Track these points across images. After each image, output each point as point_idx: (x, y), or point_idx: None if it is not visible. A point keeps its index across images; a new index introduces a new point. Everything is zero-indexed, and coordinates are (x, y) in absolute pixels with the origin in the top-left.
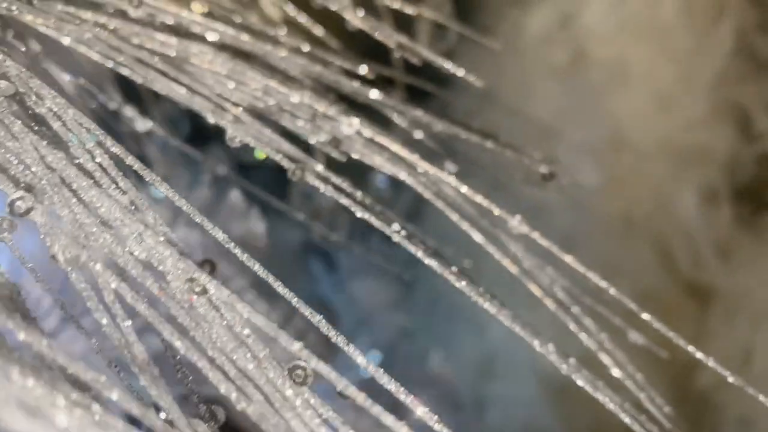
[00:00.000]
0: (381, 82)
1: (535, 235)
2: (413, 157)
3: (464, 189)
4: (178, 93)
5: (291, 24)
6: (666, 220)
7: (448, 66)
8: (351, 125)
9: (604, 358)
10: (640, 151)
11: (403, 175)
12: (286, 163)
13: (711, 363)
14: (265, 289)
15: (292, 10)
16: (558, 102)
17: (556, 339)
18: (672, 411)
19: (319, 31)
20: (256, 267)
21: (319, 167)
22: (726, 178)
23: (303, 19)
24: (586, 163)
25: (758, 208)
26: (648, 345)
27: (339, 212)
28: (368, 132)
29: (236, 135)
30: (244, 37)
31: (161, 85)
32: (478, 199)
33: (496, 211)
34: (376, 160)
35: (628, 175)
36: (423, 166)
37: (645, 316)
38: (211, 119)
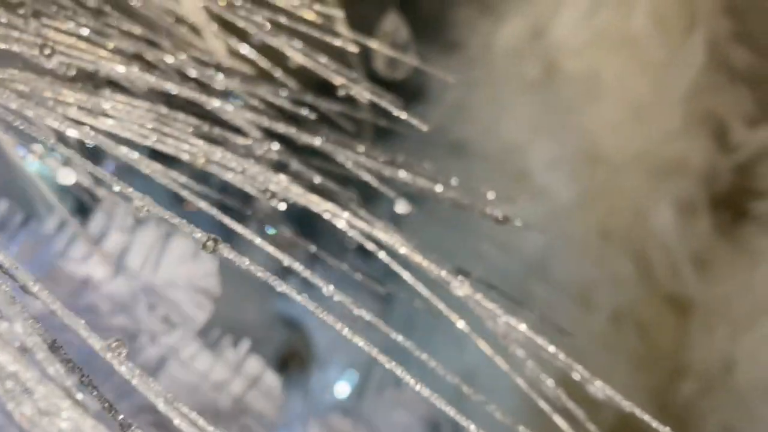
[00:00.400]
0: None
1: (479, 297)
2: (347, 213)
3: (403, 250)
4: (100, 144)
5: (237, 58)
6: (643, 233)
7: (392, 109)
8: (278, 183)
9: (559, 421)
10: (615, 164)
11: (342, 225)
12: (199, 236)
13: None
14: (223, 326)
15: (235, 43)
16: (530, 115)
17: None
18: None
19: (265, 64)
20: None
21: (247, 232)
22: (703, 189)
23: (246, 51)
24: (560, 177)
25: (736, 218)
26: (609, 399)
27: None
28: (298, 190)
29: (144, 204)
30: (169, 85)
31: (80, 136)
32: (418, 258)
33: (436, 271)
34: (315, 208)
35: (603, 188)
36: (359, 223)
37: (597, 383)
38: (116, 187)
